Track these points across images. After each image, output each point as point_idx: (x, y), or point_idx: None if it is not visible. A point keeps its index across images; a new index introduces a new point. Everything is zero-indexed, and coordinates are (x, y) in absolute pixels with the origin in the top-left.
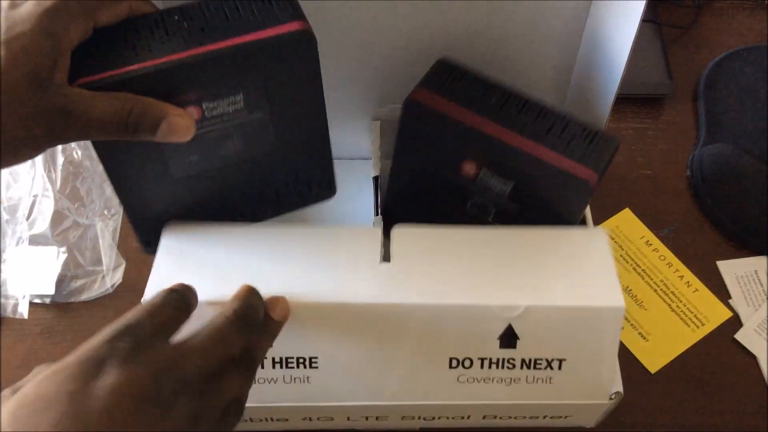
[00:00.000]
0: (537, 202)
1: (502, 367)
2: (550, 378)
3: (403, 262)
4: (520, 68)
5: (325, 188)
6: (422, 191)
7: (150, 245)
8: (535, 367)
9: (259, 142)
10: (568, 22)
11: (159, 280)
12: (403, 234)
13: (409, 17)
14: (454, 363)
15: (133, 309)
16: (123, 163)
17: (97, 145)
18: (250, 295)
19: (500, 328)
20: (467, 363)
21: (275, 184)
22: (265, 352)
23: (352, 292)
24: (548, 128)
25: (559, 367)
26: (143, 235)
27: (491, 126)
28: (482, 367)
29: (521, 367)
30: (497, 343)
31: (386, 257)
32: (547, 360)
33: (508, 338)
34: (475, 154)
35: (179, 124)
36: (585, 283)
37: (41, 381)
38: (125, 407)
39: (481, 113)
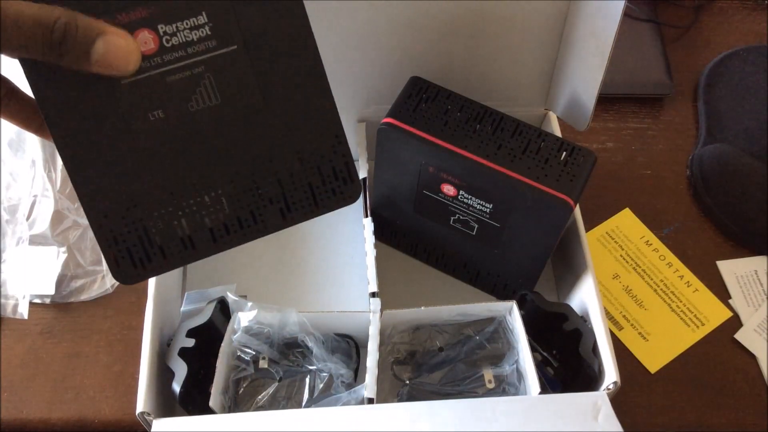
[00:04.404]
0: (517, 223)
1: None
2: None
3: None
4: (503, 65)
5: (344, 181)
6: (406, 205)
7: (109, 240)
8: None
9: (238, 92)
10: (548, 19)
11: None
12: None
13: (392, 18)
14: None
15: None
16: (68, 110)
17: (38, 94)
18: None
19: None
20: None
21: (275, 166)
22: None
23: None
24: (524, 147)
25: None
26: (100, 230)
27: (467, 150)
28: None
29: None
30: None
31: None
32: None
33: None
34: (453, 177)
35: (119, 47)
36: None
37: None
38: None
39: (456, 134)
